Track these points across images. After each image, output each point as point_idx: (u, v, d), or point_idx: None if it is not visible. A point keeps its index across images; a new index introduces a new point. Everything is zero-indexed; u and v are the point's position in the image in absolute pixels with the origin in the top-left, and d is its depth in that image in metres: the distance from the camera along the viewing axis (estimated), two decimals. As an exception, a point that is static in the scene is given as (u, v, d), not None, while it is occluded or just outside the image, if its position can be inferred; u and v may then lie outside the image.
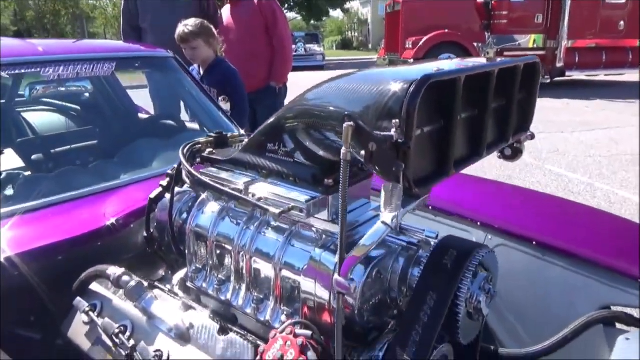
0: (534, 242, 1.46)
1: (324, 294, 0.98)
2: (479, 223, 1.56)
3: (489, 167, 4.79)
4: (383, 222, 0.73)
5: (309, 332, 0.93)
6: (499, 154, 1.08)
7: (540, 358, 1.30)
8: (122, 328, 1.07)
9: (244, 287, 1.13)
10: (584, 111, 7.85)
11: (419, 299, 0.91)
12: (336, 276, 0.74)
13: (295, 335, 0.92)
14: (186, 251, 1.25)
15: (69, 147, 2.01)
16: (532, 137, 1.10)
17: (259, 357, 0.93)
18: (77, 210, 1.43)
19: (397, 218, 0.72)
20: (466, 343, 0.97)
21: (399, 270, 1.00)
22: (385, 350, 0.94)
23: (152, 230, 1.32)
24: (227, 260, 1.16)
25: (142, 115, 2.72)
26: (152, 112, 2.91)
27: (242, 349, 0.99)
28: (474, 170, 1.11)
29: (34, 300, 1.22)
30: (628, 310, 1.35)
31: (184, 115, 2.53)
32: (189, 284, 1.23)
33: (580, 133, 6.41)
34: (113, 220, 1.35)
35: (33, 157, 2.05)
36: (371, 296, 0.98)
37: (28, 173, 1.80)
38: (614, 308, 1.36)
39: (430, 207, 1.66)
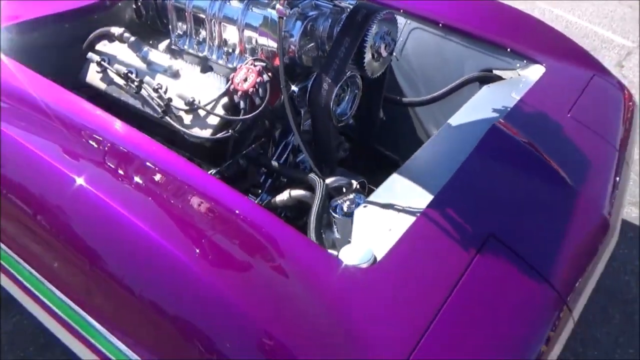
0: (440, 24, 1.88)
1: (273, 43, 1.40)
2: (401, 11, 1.96)
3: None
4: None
5: (264, 64, 1.37)
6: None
7: (429, 104, 1.83)
8: (130, 71, 1.48)
9: (216, 45, 1.53)
10: None
11: (338, 43, 1.35)
12: (278, 6, 1.14)
13: (255, 66, 1.36)
14: (169, 24, 1.61)
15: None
16: None
17: (230, 81, 1.38)
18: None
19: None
20: (371, 76, 1.44)
21: (327, 28, 1.42)
22: (314, 79, 1.41)
23: (139, 5, 1.65)
24: (202, 27, 1.54)
25: None
26: None
27: (219, 79, 1.43)
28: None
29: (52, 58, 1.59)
30: (501, 73, 1.85)
31: None
32: (173, 46, 1.62)
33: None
34: (105, -3, 1.67)
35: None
36: (306, 44, 1.41)
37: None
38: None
39: (365, -1, 2.03)
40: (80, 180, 1.04)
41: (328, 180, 1.35)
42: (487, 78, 1.80)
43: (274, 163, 1.46)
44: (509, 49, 1.78)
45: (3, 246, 1.15)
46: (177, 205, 1.05)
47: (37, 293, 1.11)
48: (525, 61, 1.76)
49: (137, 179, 1.11)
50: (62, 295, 1.03)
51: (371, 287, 0.93)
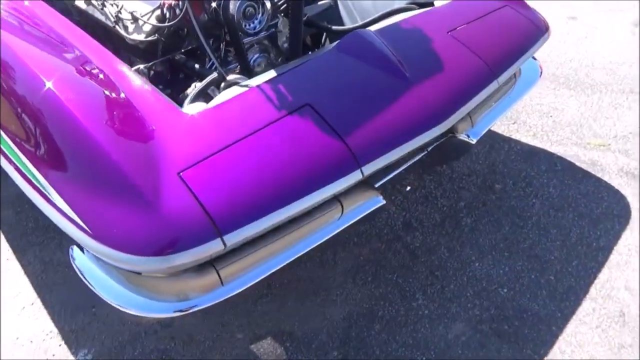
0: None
1: None
2: None
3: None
4: None
5: None
6: None
7: (359, 29, 2.08)
8: (100, -7, 1.92)
9: None
10: None
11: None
12: None
13: None
14: None
15: None
16: None
17: (163, -2, 1.76)
18: None
19: None
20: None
21: None
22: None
23: None
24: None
25: None
26: None
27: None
28: None
29: None
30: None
31: None
32: None
33: None
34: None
35: None
36: None
37: None
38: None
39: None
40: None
41: (230, 77, 1.69)
42: (407, 9, 2.02)
43: (196, 66, 1.84)
44: (431, -14, 1.99)
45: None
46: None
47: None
48: (445, -4, 1.96)
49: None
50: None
51: (195, 123, 1.29)
